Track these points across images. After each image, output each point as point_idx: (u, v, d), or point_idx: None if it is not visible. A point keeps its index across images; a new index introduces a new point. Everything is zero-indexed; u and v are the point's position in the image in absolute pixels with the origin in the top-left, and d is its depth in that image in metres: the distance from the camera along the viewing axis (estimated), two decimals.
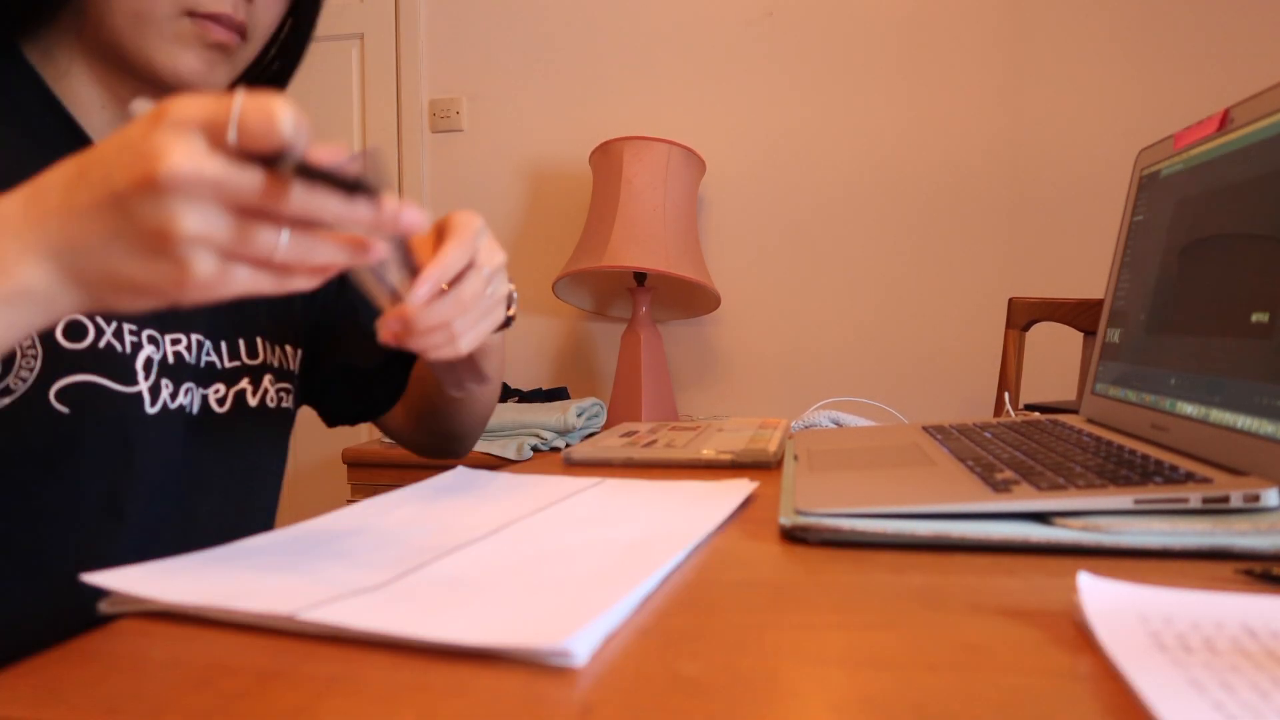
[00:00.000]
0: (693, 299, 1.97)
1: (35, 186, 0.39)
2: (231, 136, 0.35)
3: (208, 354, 0.67)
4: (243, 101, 0.36)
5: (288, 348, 0.74)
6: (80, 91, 0.63)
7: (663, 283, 1.94)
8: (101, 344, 0.58)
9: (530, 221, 2.16)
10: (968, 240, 1.95)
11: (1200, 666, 0.30)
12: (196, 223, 0.36)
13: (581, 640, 0.33)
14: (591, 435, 1.75)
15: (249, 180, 0.36)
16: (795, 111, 2.02)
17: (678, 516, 0.56)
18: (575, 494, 0.64)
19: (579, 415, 1.70)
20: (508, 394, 2.02)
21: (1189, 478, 0.52)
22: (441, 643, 0.34)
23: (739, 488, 0.65)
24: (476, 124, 2.17)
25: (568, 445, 1.67)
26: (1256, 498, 0.49)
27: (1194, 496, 0.49)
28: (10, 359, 0.54)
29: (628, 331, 1.90)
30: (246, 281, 0.39)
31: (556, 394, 1.98)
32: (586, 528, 0.53)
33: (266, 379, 0.71)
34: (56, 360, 0.56)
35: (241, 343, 0.69)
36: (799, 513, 0.52)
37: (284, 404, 0.73)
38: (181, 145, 0.35)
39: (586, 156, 1.93)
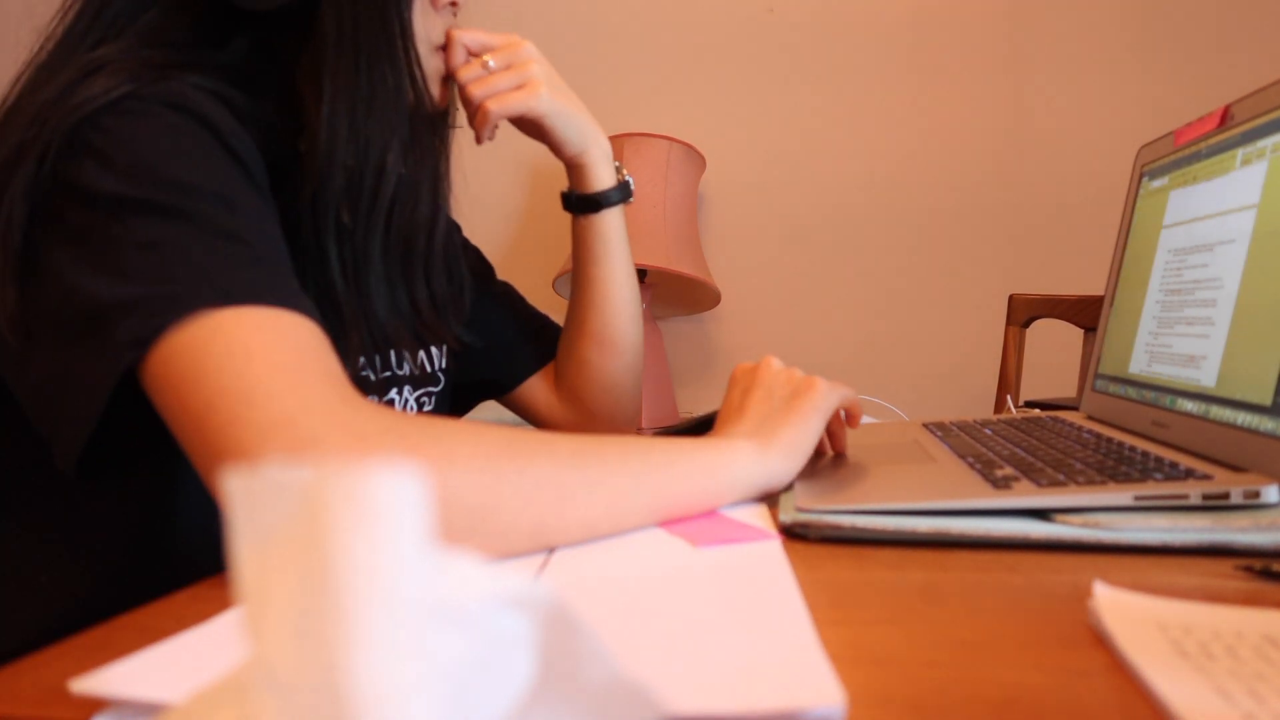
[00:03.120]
0: (693, 296, 1.97)
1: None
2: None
3: (362, 369, 0.72)
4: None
5: (432, 350, 0.78)
6: None
7: (663, 279, 1.94)
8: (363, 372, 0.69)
9: (530, 218, 2.16)
10: (968, 237, 1.94)
11: (1225, 674, 0.30)
12: None
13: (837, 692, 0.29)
14: None
15: None
16: (796, 108, 2.01)
17: (733, 568, 0.45)
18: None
19: None
20: None
21: (1189, 474, 0.52)
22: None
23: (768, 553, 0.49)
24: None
25: None
26: (1257, 494, 0.49)
27: (1194, 493, 0.49)
28: None
29: None
30: None
31: None
32: (638, 578, 0.43)
33: (406, 389, 0.75)
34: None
35: (377, 358, 0.74)
36: (799, 509, 0.52)
37: (425, 408, 0.77)
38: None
39: None
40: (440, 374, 0.78)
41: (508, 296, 0.91)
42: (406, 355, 0.74)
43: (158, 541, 0.57)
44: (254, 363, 0.44)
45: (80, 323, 0.47)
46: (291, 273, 0.52)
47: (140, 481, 0.57)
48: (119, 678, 0.32)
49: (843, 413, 0.68)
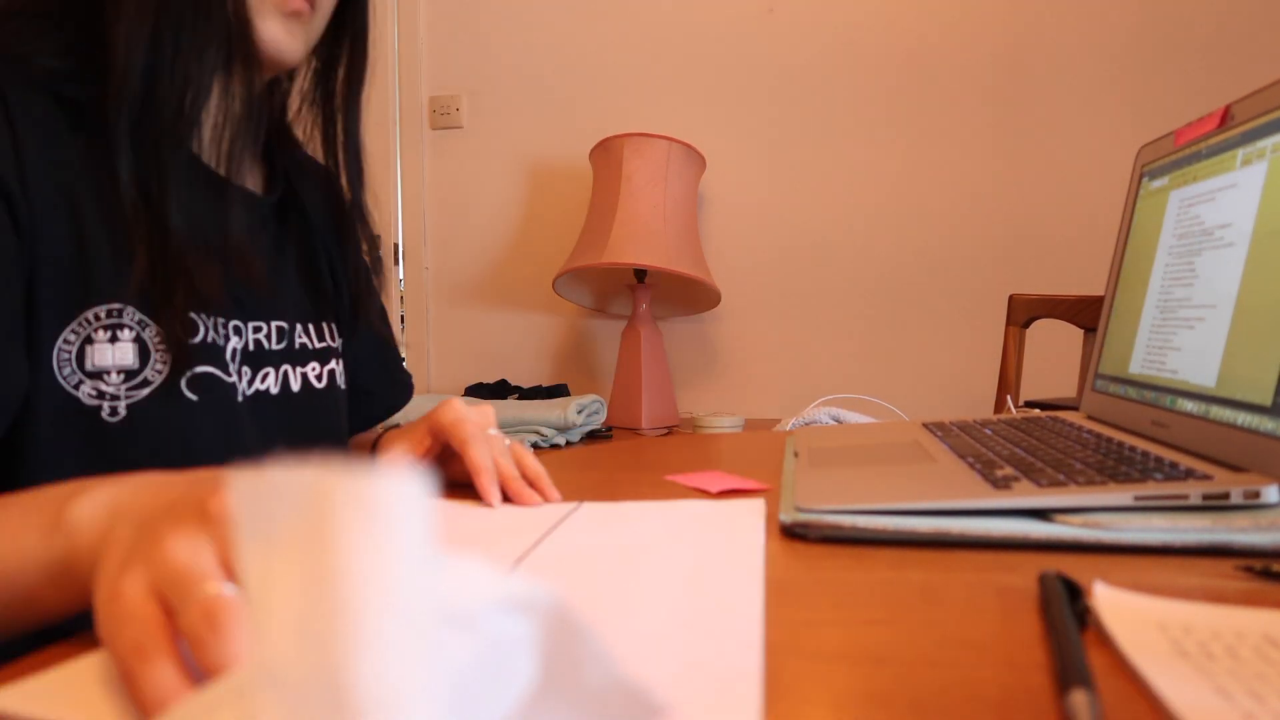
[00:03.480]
0: (693, 296, 1.97)
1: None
2: None
3: (299, 336, 0.73)
4: None
5: (325, 325, 0.78)
6: None
7: (663, 280, 1.94)
8: (209, 338, 0.63)
9: (530, 218, 2.16)
10: (969, 237, 1.94)
11: (1225, 674, 0.30)
12: None
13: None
14: (593, 432, 1.76)
15: None
16: (796, 108, 2.01)
17: (710, 546, 0.48)
18: (562, 521, 0.56)
19: (579, 412, 1.71)
20: (508, 391, 2.02)
21: (1189, 474, 0.52)
22: None
23: (750, 509, 0.57)
24: (476, 121, 2.17)
25: (568, 443, 1.68)
26: (1257, 494, 0.49)
27: (1194, 493, 0.49)
28: (146, 352, 0.58)
29: (628, 328, 1.90)
30: None
31: (557, 391, 1.98)
32: (615, 567, 0.45)
33: (336, 362, 0.77)
34: (182, 352, 0.60)
35: (326, 327, 0.76)
36: (799, 509, 0.52)
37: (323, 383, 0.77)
38: None
39: (586, 153, 1.93)
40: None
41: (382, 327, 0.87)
42: (306, 329, 0.74)
43: None
44: None
45: None
46: None
47: None
48: (19, 696, 0.31)
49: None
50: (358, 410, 0.85)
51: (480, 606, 0.22)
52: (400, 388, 0.92)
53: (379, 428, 0.87)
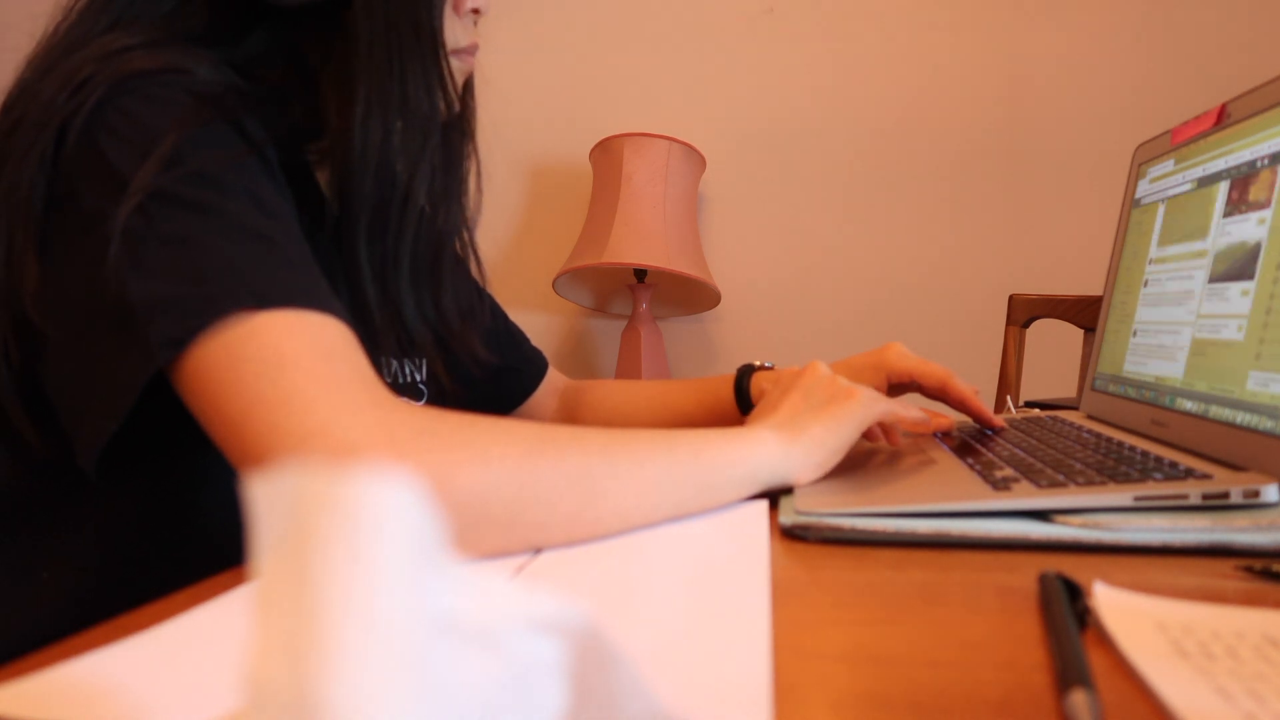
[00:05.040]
0: (693, 296, 1.97)
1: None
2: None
3: (410, 372, 0.73)
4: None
5: (407, 363, 0.78)
6: None
7: (663, 279, 1.94)
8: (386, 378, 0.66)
9: (530, 218, 2.16)
10: (968, 237, 1.94)
11: (1226, 674, 0.30)
12: None
13: None
14: None
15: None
16: (796, 108, 2.01)
17: (714, 548, 0.48)
18: None
19: None
20: None
21: (1189, 474, 0.52)
22: None
23: (754, 510, 0.56)
24: (476, 119, 2.16)
25: None
26: (1256, 493, 0.49)
27: (1194, 493, 0.49)
28: None
29: (628, 328, 1.90)
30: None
31: None
32: (618, 570, 0.45)
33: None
34: None
35: (411, 363, 0.75)
36: (799, 512, 0.52)
37: None
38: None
39: (586, 153, 1.93)
40: (422, 386, 0.78)
41: (501, 314, 0.92)
42: (390, 365, 0.73)
43: (181, 539, 0.57)
44: (288, 369, 0.44)
45: (110, 317, 0.46)
46: (320, 274, 0.51)
47: (163, 478, 0.57)
48: (19, 696, 0.31)
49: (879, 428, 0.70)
50: (509, 389, 0.88)
51: (504, 625, 0.20)
52: (538, 357, 0.93)
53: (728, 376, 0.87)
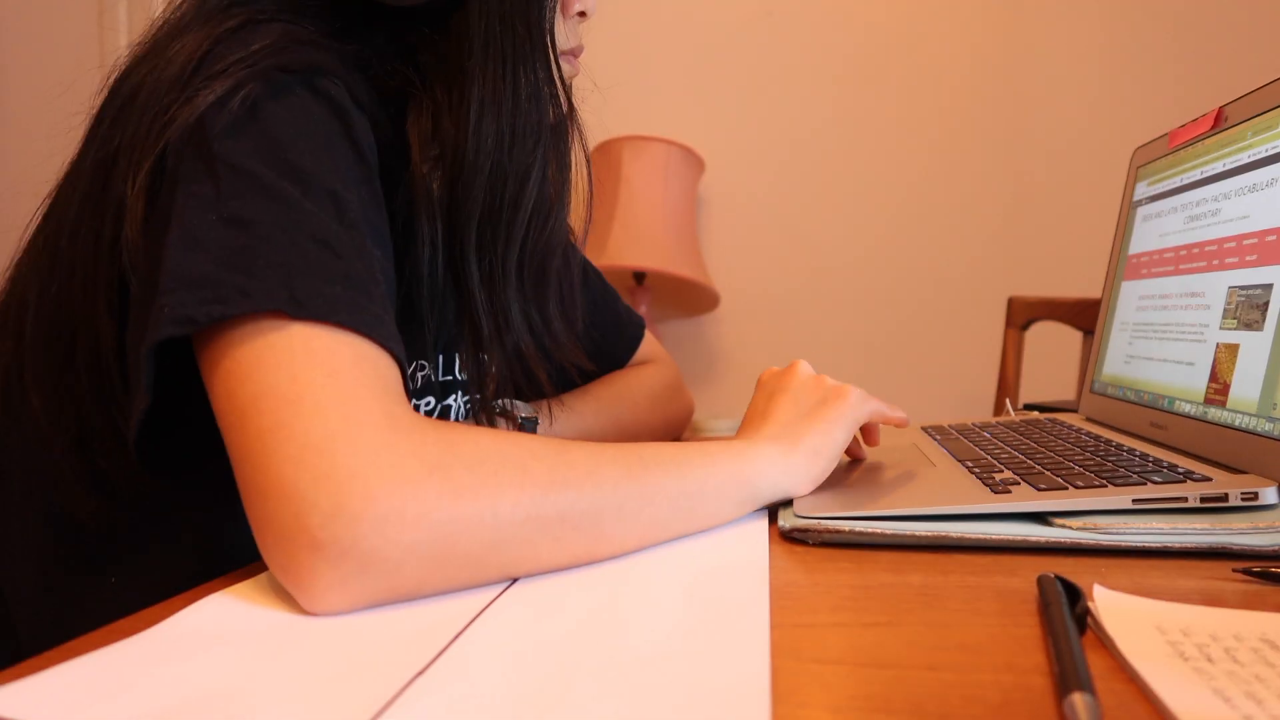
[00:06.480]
0: (691, 298, 1.97)
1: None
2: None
3: (442, 372, 0.71)
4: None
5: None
6: None
7: (662, 282, 1.94)
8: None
9: None
10: (967, 239, 1.95)
11: (1224, 677, 0.30)
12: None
13: None
14: None
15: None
16: (794, 111, 2.02)
17: (713, 552, 0.48)
18: None
19: None
20: None
21: (1187, 476, 0.52)
22: None
23: (753, 514, 0.56)
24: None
25: None
26: (1255, 496, 0.49)
27: (1192, 495, 0.49)
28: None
29: None
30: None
31: None
32: (619, 572, 0.45)
33: (458, 395, 0.73)
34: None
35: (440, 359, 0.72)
36: (798, 516, 0.52)
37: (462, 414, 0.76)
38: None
39: None
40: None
41: (600, 289, 0.89)
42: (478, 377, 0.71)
43: (231, 549, 0.55)
44: (303, 403, 0.40)
45: (149, 282, 0.45)
46: (382, 295, 0.48)
47: (213, 483, 0.54)
48: (19, 696, 0.31)
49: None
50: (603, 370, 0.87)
51: None
52: (633, 328, 0.92)
53: None
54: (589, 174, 0.69)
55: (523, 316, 0.63)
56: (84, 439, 0.54)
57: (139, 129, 0.50)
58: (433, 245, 0.59)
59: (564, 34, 0.64)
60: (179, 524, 0.57)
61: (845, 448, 0.60)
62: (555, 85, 0.61)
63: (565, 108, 0.63)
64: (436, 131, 0.57)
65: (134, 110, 0.51)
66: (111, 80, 0.56)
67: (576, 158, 0.67)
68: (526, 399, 0.74)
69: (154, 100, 0.50)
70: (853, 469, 0.66)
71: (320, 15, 0.56)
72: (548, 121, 0.60)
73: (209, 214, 0.45)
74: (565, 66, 0.64)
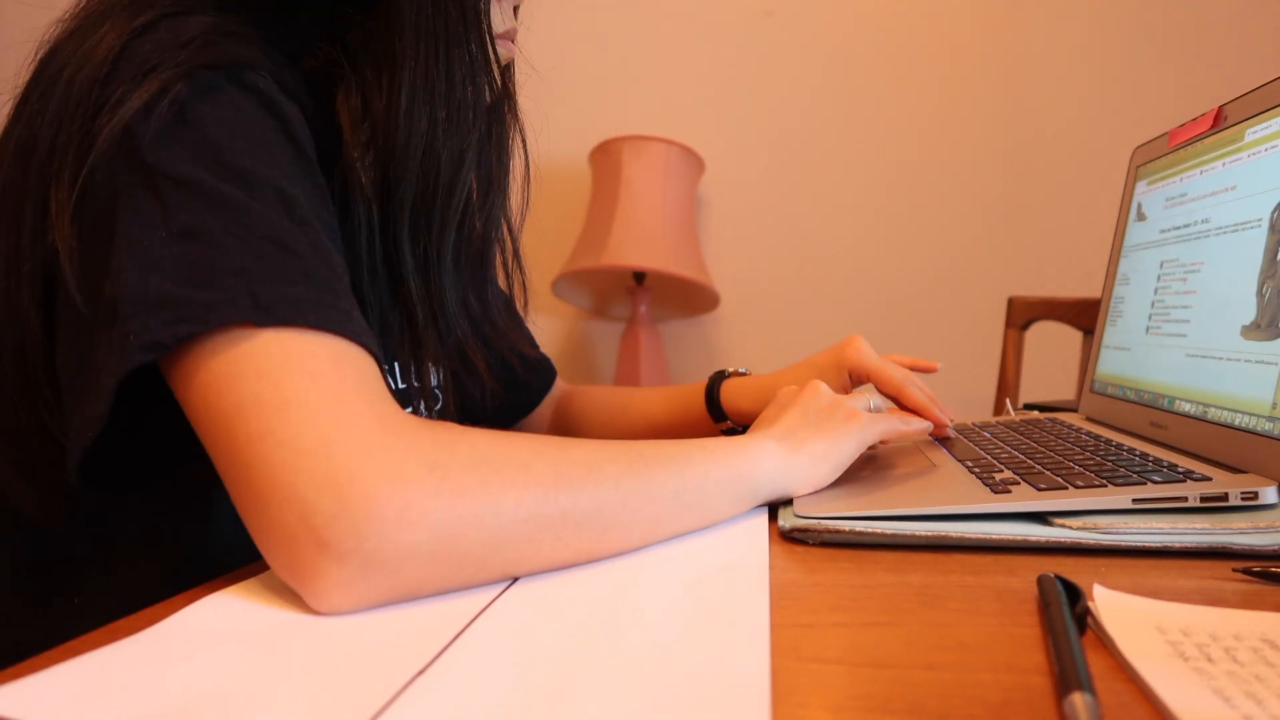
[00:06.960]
0: (692, 298, 1.97)
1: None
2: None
3: (402, 379, 0.69)
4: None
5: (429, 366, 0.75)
6: None
7: (662, 282, 1.94)
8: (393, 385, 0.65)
9: (528, 220, 2.16)
10: (967, 239, 1.95)
11: (1224, 676, 0.30)
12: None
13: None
14: None
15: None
16: (794, 111, 2.02)
17: (713, 551, 0.48)
18: None
19: None
20: None
21: (1187, 476, 0.52)
22: None
23: (753, 513, 0.57)
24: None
25: None
26: (1255, 495, 0.49)
27: (1192, 494, 0.49)
28: None
29: (627, 331, 1.90)
30: None
31: None
32: (618, 572, 0.45)
33: (422, 404, 0.72)
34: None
35: (412, 365, 0.70)
36: (798, 515, 0.52)
37: None
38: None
39: (585, 155, 1.93)
40: (437, 391, 0.75)
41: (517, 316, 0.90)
42: (414, 368, 0.70)
43: (191, 560, 0.55)
44: (291, 408, 0.40)
45: (103, 307, 0.43)
46: (345, 289, 0.47)
47: (173, 495, 0.54)
48: (18, 696, 0.31)
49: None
50: (516, 407, 0.88)
51: None
52: (545, 365, 0.93)
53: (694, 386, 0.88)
54: (526, 159, 0.69)
55: (460, 304, 0.62)
56: (14, 431, 0.52)
57: (60, 124, 0.48)
58: (369, 227, 0.58)
59: (499, 17, 0.63)
60: (120, 541, 0.55)
61: (851, 461, 0.60)
62: (490, 68, 0.59)
63: (501, 91, 0.62)
64: (367, 112, 0.56)
65: (55, 98, 0.49)
66: (39, 55, 0.53)
67: (517, 143, 0.66)
68: (436, 400, 0.73)
69: (77, 94, 0.47)
70: (853, 469, 0.65)
71: (241, 1, 0.54)
72: (483, 105, 0.59)
73: (156, 230, 0.43)
74: (500, 50, 0.63)
